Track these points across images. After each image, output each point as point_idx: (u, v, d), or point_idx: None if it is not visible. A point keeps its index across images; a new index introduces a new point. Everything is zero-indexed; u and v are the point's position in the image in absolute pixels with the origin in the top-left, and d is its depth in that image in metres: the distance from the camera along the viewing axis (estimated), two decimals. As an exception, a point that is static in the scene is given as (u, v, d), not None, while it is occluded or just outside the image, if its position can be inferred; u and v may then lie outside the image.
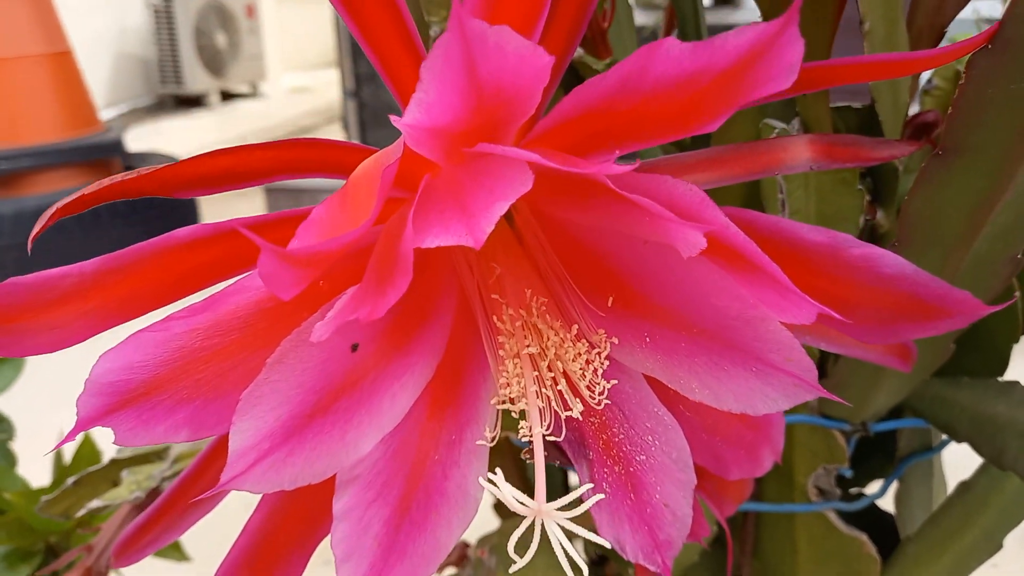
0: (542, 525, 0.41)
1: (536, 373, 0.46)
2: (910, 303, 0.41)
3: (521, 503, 0.40)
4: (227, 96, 9.11)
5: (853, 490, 0.94)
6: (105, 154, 4.31)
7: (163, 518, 0.50)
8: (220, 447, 0.51)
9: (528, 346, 0.46)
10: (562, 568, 0.42)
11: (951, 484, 0.90)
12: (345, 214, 0.37)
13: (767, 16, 0.57)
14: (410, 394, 0.46)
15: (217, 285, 0.42)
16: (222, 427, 0.40)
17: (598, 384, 0.46)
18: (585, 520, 0.45)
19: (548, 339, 0.47)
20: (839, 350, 0.50)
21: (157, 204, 4.33)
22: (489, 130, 0.40)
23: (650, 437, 0.48)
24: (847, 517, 0.83)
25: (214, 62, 8.53)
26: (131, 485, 0.68)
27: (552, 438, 0.46)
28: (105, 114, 7.46)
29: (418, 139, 0.37)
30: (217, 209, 5.74)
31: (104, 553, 0.70)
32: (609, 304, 0.47)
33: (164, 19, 8.08)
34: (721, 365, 0.44)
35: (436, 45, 0.31)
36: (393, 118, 0.37)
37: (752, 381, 0.43)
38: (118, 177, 0.35)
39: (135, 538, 0.50)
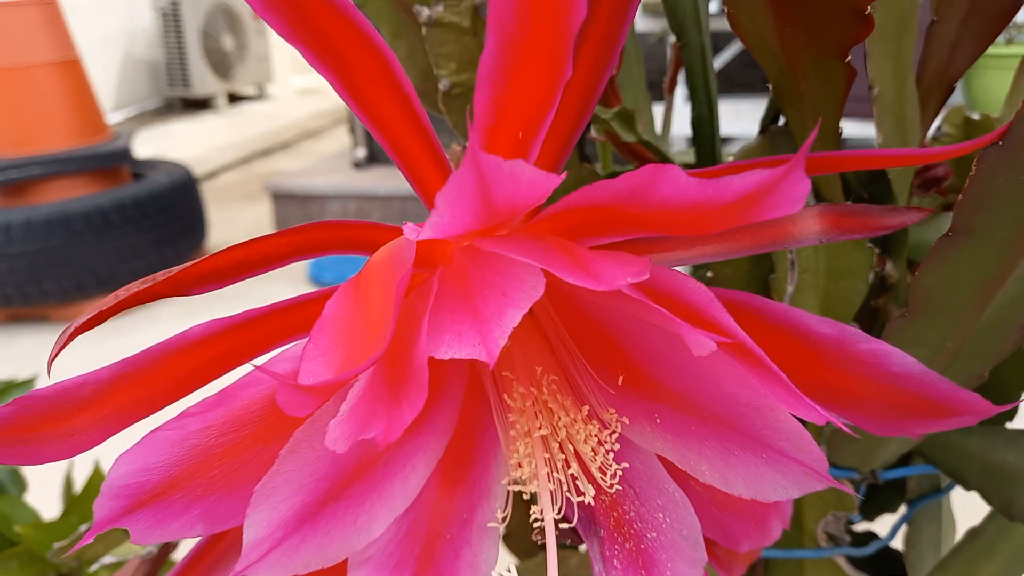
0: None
1: (547, 455, 0.46)
2: (918, 401, 0.41)
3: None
4: (234, 98, 9.13)
5: (862, 526, 0.94)
6: (114, 162, 4.33)
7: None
8: (214, 539, 0.51)
9: (540, 428, 0.46)
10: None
11: (961, 523, 0.90)
12: (358, 317, 0.38)
13: (775, 84, 0.57)
14: (421, 475, 0.46)
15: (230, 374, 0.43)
16: (236, 520, 0.41)
17: (610, 467, 0.46)
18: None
19: (559, 419, 0.47)
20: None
21: (167, 209, 4.36)
22: (499, 225, 0.40)
23: (661, 514, 0.48)
24: (857, 558, 0.83)
25: (221, 64, 8.55)
26: (144, 538, 0.68)
27: (564, 524, 0.46)
28: (113, 117, 7.49)
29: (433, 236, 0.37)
30: (225, 215, 5.76)
31: (117, 603, 0.71)
32: (619, 383, 0.48)
33: (172, 22, 8.11)
34: (731, 450, 0.44)
35: (452, 177, 0.31)
36: (407, 227, 0.37)
37: (762, 468, 0.43)
38: (133, 287, 0.36)
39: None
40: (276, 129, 8.10)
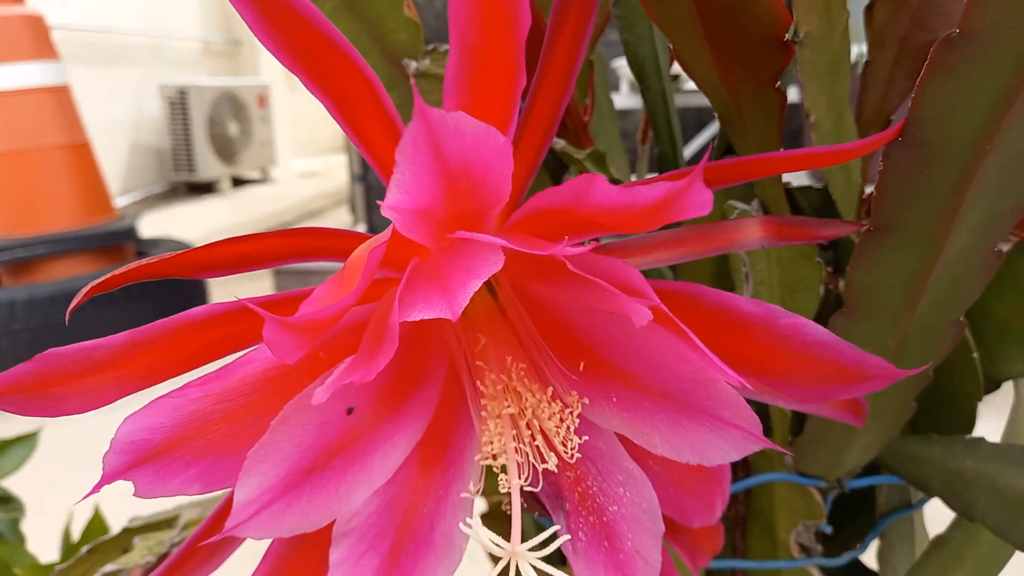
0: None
1: (515, 431, 0.51)
2: (832, 367, 0.46)
3: (497, 545, 0.45)
4: (238, 182, 9.34)
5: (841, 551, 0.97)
6: (119, 241, 4.43)
7: (175, 573, 0.55)
8: (224, 511, 0.55)
9: (508, 407, 0.51)
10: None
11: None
12: (341, 291, 0.43)
13: (721, 116, 0.64)
14: (400, 453, 0.51)
15: (228, 357, 0.48)
16: (230, 481, 0.45)
17: (571, 440, 0.51)
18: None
19: (526, 400, 0.52)
20: (788, 405, 0.55)
21: (168, 286, 4.43)
22: (470, 218, 0.46)
23: (622, 489, 0.53)
24: (833, 574, 0.86)
25: (226, 150, 8.78)
26: (143, 550, 0.72)
27: (530, 488, 0.50)
28: (120, 200, 7.66)
29: (404, 223, 0.43)
30: (228, 291, 5.83)
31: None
32: (581, 369, 0.53)
33: (179, 110, 8.37)
34: (679, 422, 0.49)
35: (404, 133, 0.36)
36: (380, 202, 0.43)
37: (706, 435, 0.48)
38: (144, 261, 0.41)
39: (149, 594, 0.54)
40: (279, 210, 8.28)
